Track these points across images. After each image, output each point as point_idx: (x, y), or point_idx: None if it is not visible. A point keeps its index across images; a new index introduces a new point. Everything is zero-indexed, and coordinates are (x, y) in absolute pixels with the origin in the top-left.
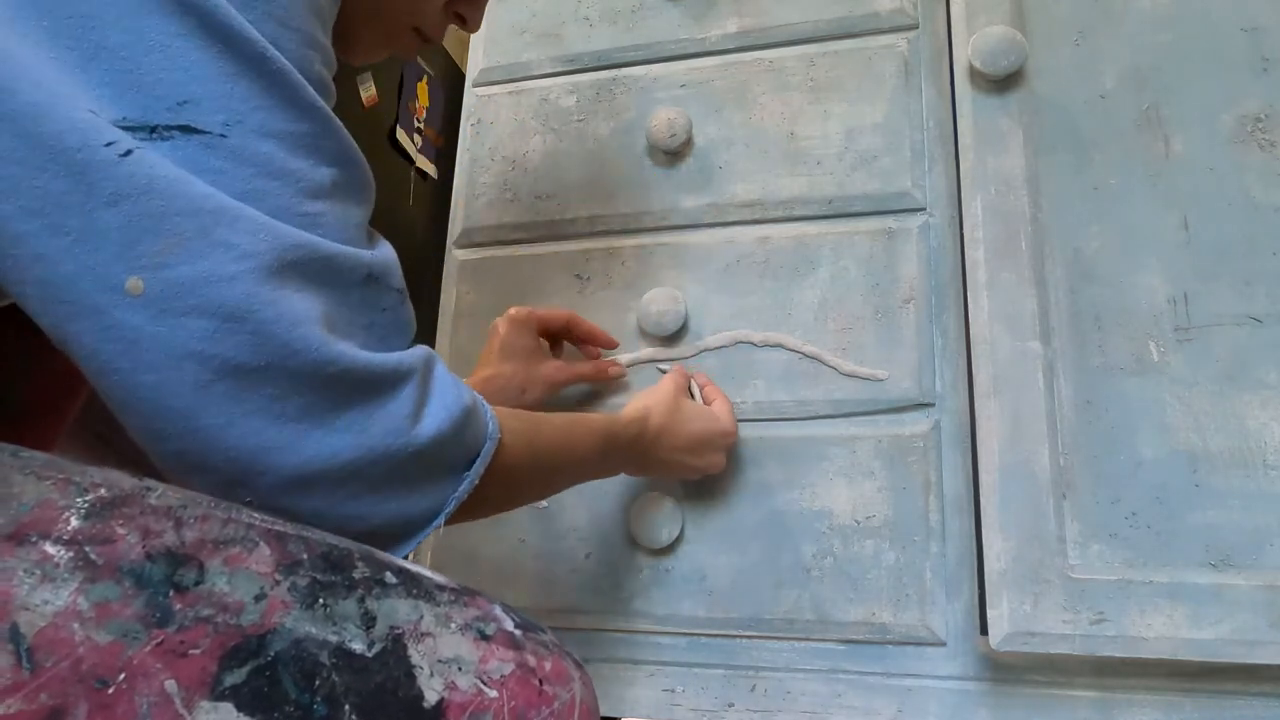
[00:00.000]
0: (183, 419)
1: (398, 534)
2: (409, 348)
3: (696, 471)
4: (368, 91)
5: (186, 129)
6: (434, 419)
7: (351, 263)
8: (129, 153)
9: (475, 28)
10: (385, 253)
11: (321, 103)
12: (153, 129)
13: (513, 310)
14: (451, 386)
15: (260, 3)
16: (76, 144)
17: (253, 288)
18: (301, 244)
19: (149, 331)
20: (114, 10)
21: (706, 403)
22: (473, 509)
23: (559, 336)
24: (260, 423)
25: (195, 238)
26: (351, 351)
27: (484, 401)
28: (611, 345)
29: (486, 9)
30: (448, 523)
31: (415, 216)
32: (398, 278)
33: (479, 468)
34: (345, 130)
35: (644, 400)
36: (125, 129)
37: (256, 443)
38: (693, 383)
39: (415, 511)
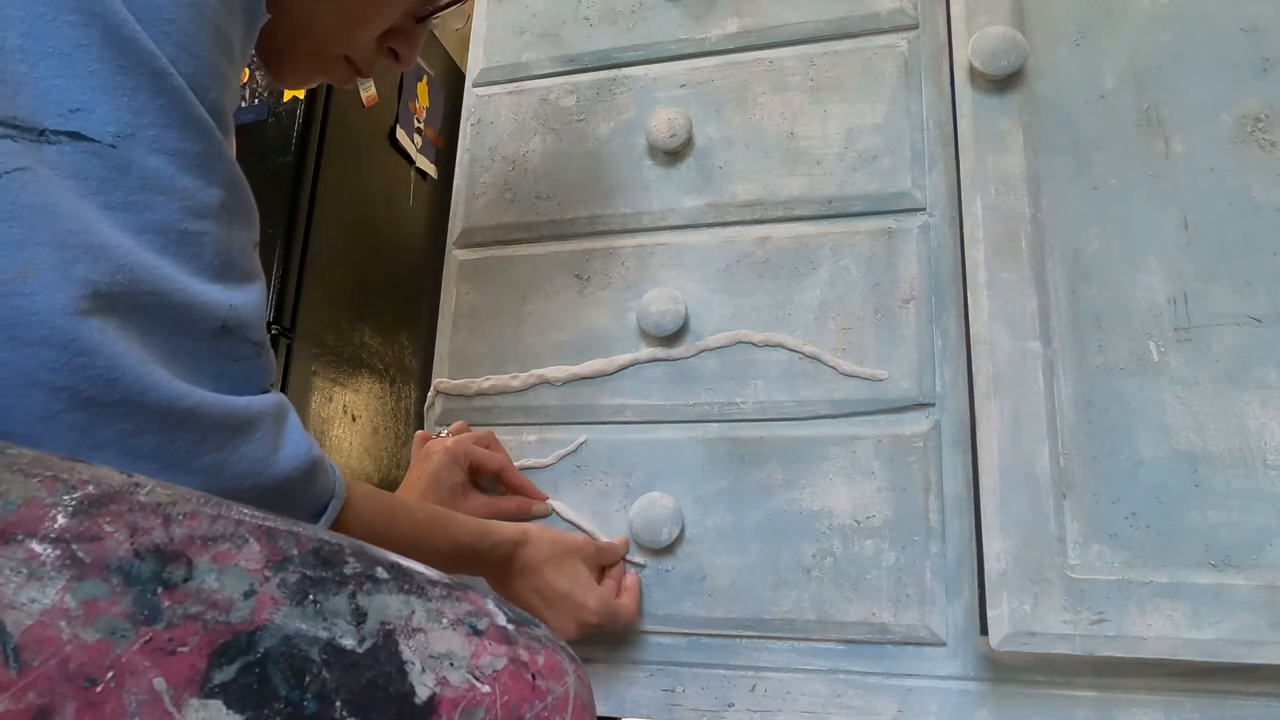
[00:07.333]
0: (28, 446)
1: None
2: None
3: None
4: (367, 91)
5: (76, 136)
6: (286, 464)
7: (205, 313)
8: None
9: (408, 64)
10: (250, 299)
11: (213, 124)
12: (41, 132)
13: (451, 441)
14: (301, 437)
15: (161, 23)
16: None
17: (104, 323)
18: (158, 290)
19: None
20: (17, 13)
21: (617, 591)
22: None
23: (488, 478)
24: (110, 458)
25: (52, 269)
26: (201, 391)
27: (332, 462)
28: (540, 499)
29: (481, 12)
30: None
31: (415, 216)
32: (256, 329)
33: (328, 519)
34: (233, 157)
35: (536, 530)
36: (13, 127)
37: None
38: (625, 570)
39: None
